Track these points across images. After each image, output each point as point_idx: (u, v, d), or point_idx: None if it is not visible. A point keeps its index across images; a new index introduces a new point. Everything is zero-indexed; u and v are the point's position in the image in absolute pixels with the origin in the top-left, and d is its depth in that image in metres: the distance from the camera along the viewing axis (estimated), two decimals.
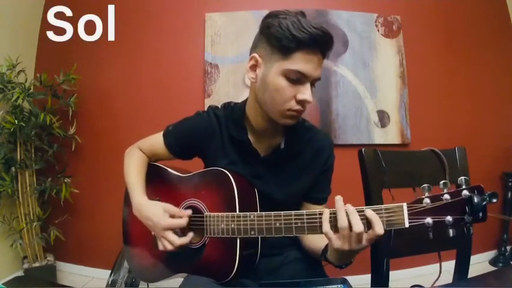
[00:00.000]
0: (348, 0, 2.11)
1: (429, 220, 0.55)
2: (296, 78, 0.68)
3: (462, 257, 1.00)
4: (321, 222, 0.62)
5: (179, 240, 0.72)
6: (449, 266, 0.98)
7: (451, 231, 0.55)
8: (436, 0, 2.18)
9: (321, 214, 0.62)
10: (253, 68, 0.74)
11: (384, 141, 2.03)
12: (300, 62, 0.67)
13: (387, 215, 0.58)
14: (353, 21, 2.06)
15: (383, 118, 2.05)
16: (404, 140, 2.05)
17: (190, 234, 0.75)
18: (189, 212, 0.76)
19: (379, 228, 0.57)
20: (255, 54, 0.73)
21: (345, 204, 0.61)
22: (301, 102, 0.70)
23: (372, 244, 0.93)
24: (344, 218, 0.59)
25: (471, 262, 0.99)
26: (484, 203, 0.52)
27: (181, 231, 0.76)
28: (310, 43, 0.66)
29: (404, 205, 0.57)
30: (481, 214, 0.53)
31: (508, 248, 2.15)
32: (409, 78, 2.08)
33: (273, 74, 0.69)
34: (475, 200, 0.52)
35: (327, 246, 0.70)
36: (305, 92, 0.69)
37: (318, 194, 0.85)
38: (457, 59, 2.18)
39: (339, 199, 0.61)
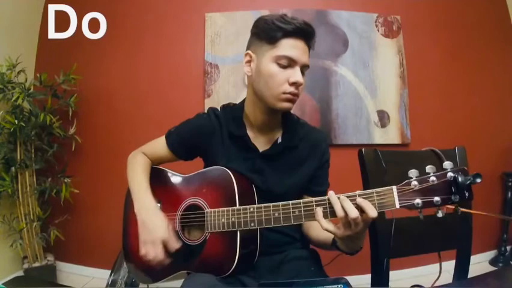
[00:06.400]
0: (348, 0, 2.11)
1: (418, 201, 0.58)
2: (286, 64, 0.76)
3: (462, 257, 1.00)
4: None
5: (162, 256, 0.76)
6: (449, 266, 0.98)
7: (440, 212, 0.58)
8: (436, 0, 2.18)
9: (317, 201, 0.66)
10: (249, 63, 0.83)
11: (384, 141, 2.03)
12: (286, 48, 0.75)
13: (379, 197, 0.61)
14: (353, 21, 2.06)
15: (383, 118, 2.05)
16: (404, 140, 2.05)
17: (168, 260, 0.77)
18: (179, 246, 0.78)
19: (372, 212, 0.59)
20: (249, 51, 0.83)
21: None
22: (293, 85, 0.76)
23: (372, 244, 0.95)
24: (340, 209, 0.62)
25: (471, 262, 0.99)
26: (468, 182, 0.55)
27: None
28: (293, 32, 0.75)
29: (394, 188, 0.60)
30: (467, 193, 0.56)
31: (508, 248, 2.15)
32: (409, 78, 2.08)
33: (265, 63, 0.77)
34: (460, 179, 0.55)
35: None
36: (296, 75, 0.75)
37: (318, 187, 0.89)
38: (457, 58, 2.18)
39: (332, 194, 0.64)
